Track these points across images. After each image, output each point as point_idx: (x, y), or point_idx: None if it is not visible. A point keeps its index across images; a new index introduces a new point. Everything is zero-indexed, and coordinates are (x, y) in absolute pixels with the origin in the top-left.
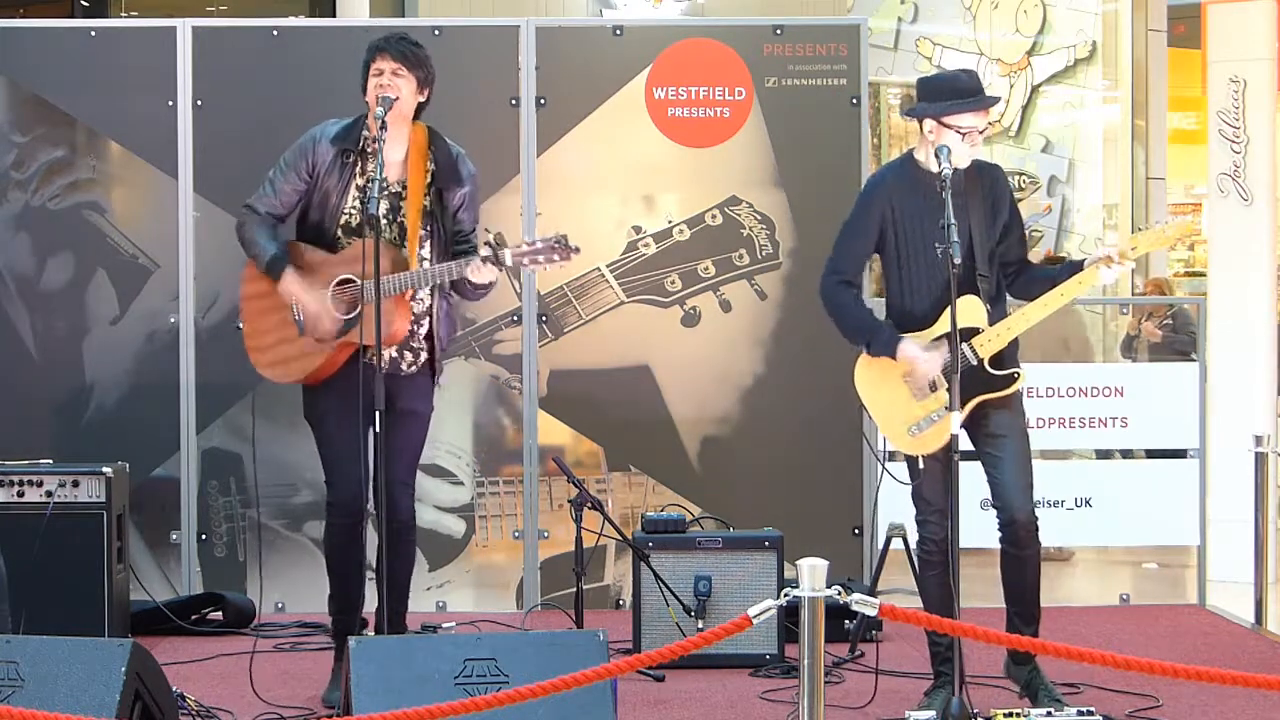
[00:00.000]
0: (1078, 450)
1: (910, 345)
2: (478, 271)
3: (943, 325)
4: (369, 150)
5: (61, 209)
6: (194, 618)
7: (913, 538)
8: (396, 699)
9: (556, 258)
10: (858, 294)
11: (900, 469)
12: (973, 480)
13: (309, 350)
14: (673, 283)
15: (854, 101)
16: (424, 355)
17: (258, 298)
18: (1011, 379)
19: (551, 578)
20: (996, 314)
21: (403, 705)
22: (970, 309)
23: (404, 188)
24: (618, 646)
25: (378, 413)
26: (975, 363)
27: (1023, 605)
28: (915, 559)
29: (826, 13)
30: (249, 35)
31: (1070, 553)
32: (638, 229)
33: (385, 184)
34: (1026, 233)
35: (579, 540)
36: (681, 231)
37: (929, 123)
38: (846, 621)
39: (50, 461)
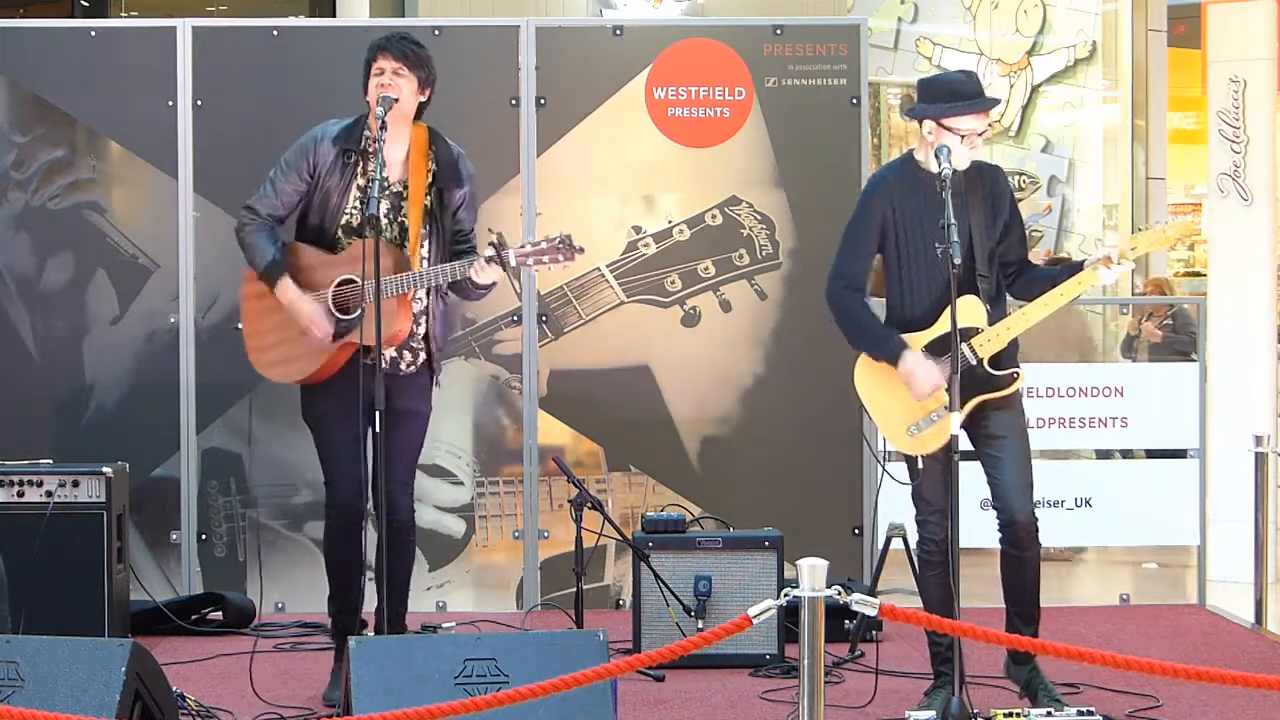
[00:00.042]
0: (1078, 450)
1: (912, 358)
2: (481, 272)
3: (943, 325)
4: (370, 150)
5: (61, 209)
6: (194, 618)
7: (913, 538)
8: (396, 699)
9: (561, 258)
10: (864, 299)
11: (900, 469)
12: (973, 480)
13: (309, 350)
14: (673, 283)
15: (854, 101)
16: (422, 355)
17: (257, 298)
18: (1011, 379)
19: (551, 578)
20: (996, 314)
21: (403, 705)
22: (970, 309)
23: (405, 187)
24: (618, 646)
25: (377, 413)
26: (974, 362)
27: (1023, 606)
28: (915, 559)
29: (826, 13)
30: (249, 35)
31: (1070, 554)
32: (638, 229)
33: (386, 184)
34: (1026, 233)
35: (579, 540)
36: (681, 231)
37: (928, 124)
38: (846, 621)
39: (50, 461)
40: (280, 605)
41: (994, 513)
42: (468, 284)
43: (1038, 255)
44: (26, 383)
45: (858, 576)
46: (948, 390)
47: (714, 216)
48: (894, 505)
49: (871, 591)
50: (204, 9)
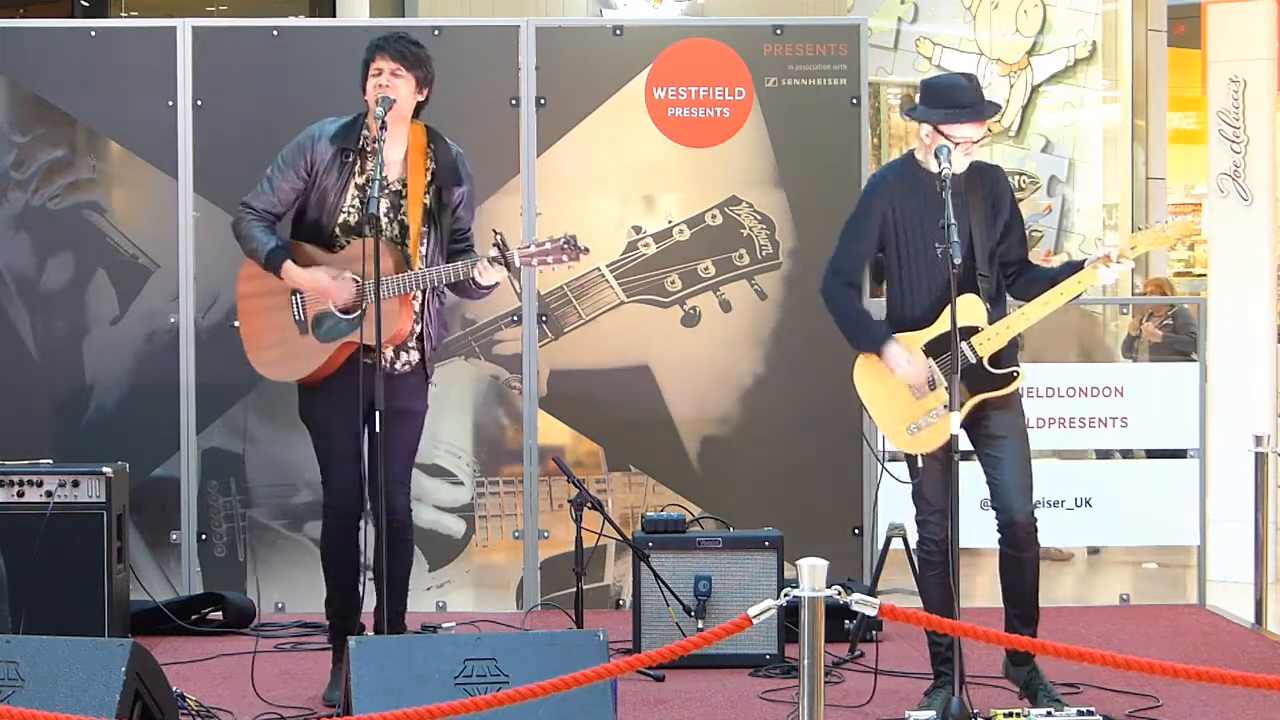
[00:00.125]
0: (1078, 450)
1: (895, 349)
2: (485, 273)
3: (943, 324)
4: (368, 149)
5: (61, 209)
6: (194, 618)
7: (913, 538)
8: (396, 699)
9: (565, 258)
10: (858, 294)
11: (900, 469)
12: (973, 480)
13: (308, 349)
14: (673, 283)
15: (854, 101)
16: (416, 355)
17: (256, 296)
18: (1011, 378)
19: (551, 578)
20: (996, 314)
21: (403, 705)
22: (970, 308)
23: (404, 186)
24: (618, 646)
25: (377, 412)
26: (974, 361)
27: (1022, 606)
28: (915, 559)
29: (826, 13)
30: (249, 35)
31: (1070, 554)
32: (638, 229)
33: (385, 183)
34: (1027, 233)
35: (579, 540)
36: (681, 231)
37: (926, 127)
38: (846, 621)
39: (50, 461)
40: (280, 605)
41: (994, 513)
42: (470, 284)
43: (1037, 255)
44: (26, 383)
45: (858, 576)
46: (947, 389)
47: (714, 216)
48: (894, 505)
49: (871, 591)
50: (204, 9)
